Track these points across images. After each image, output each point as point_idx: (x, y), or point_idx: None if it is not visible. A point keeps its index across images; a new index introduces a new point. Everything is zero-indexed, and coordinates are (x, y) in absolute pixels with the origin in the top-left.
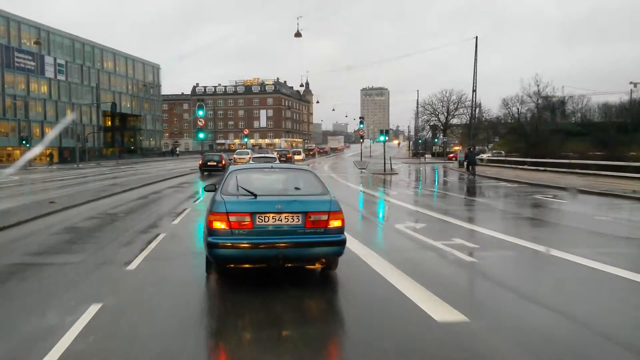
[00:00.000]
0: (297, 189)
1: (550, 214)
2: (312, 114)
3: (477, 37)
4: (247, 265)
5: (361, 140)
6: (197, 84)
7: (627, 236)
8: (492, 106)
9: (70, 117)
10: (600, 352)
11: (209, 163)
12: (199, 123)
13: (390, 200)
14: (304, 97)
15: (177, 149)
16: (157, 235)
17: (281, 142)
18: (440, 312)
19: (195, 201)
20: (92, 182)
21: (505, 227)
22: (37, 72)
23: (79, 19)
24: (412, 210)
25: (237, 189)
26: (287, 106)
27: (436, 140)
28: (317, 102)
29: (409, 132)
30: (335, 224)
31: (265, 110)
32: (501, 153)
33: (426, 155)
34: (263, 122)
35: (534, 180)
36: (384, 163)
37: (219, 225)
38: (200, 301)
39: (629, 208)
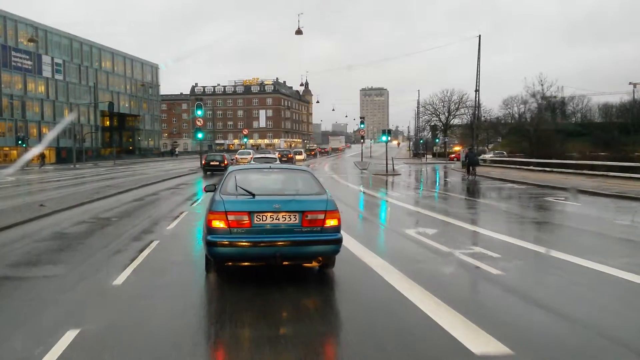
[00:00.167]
0: (294, 188)
1: (567, 218)
2: (311, 114)
3: (480, 35)
4: (246, 263)
5: (362, 140)
6: (196, 84)
7: None
8: (492, 106)
9: (70, 116)
10: None
11: (211, 163)
12: (198, 123)
13: (397, 203)
14: (303, 97)
15: (176, 149)
16: (151, 242)
17: (280, 143)
18: (478, 342)
19: (192, 204)
20: (87, 183)
21: (524, 232)
22: (34, 72)
23: (79, 19)
24: (421, 214)
25: (236, 189)
26: (286, 106)
27: (437, 140)
28: (317, 101)
29: (409, 132)
30: (331, 223)
31: (264, 111)
32: (503, 153)
33: (427, 156)
34: (262, 122)
35: (542, 181)
36: (386, 164)
37: (218, 224)
38: (197, 325)
39: None
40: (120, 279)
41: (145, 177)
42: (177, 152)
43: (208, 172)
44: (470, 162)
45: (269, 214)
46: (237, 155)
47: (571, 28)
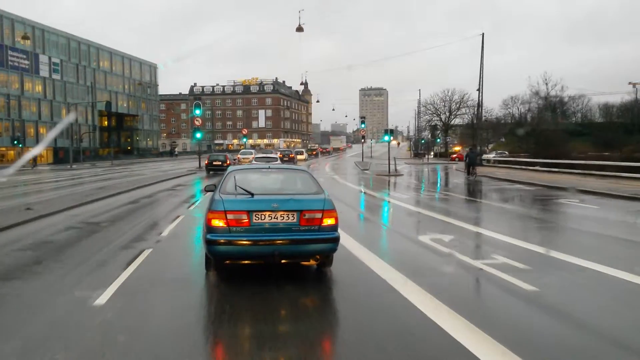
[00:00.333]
0: (292, 188)
1: (588, 223)
2: (310, 114)
3: (483, 34)
4: (245, 262)
5: (362, 140)
6: (195, 84)
7: None
8: (492, 106)
9: (71, 116)
10: None
11: (214, 163)
12: (196, 122)
13: (404, 206)
14: (302, 97)
15: (176, 149)
16: (141, 252)
17: (280, 143)
18: None
19: (190, 206)
20: (81, 184)
21: (546, 239)
22: (31, 71)
23: (79, 19)
24: (432, 218)
25: (235, 189)
26: (285, 106)
27: (438, 140)
28: (318, 101)
29: (408, 132)
30: (329, 221)
31: (263, 110)
32: (505, 153)
33: (429, 156)
34: (262, 122)
35: (550, 182)
36: (389, 164)
37: (217, 223)
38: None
39: None
40: (102, 299)
41: (142, 178)
42: (176, 152)
43: (211, 172)
44: (471, 162)
45: (268, 213)
46: (239, 155)
47: (571, 28)
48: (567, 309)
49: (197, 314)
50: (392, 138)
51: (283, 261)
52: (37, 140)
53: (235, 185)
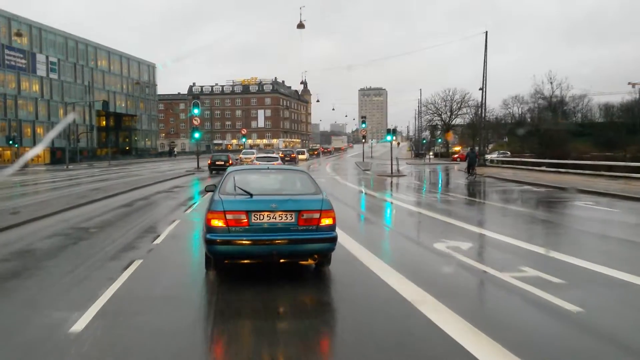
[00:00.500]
0: (291, 188)
1: (613, 228)
2: (310, 114)
3: (486, 32)
4: (244, 261)
5: (363, 140)
6: (194, 84)
7: None
8: (492, 106)
9: (71, 116)
10: None
11: (217, 163)
12: (195, 122)
13: (413, 210)
14: (302, 97)
15: (175, 149)
16: (131, 263)
17: (279, 143)
18: None
19: (187, 210)
20: (75, 185)
21: (573, 247)
22: (28, 71)
23: (79, 19)
24: (445, 223)
25: (235, 189)
26: (285, 106)
27: (439, 140)
28: (318, 100)
29: (408, 132)
30: (326, 221)
31: (263, 110)
32: (507, 154)
33: (430, 156)
34: (261, 122)
35: (560, 183)
36: (391, 164)
37: (216, 223)
38: None
39: None
40: (80, 324)
41: (139, 179)
42: (175, 153)
43: (213, 172)
44: (471, 162)
45: (266, 213)
46: (241, 155)
47: (571, 28)
48: (626, 336)
49: (190, 339)
50: (395, 138)
51: (282, 260)
52: (34, 140)
53: (235, 186)
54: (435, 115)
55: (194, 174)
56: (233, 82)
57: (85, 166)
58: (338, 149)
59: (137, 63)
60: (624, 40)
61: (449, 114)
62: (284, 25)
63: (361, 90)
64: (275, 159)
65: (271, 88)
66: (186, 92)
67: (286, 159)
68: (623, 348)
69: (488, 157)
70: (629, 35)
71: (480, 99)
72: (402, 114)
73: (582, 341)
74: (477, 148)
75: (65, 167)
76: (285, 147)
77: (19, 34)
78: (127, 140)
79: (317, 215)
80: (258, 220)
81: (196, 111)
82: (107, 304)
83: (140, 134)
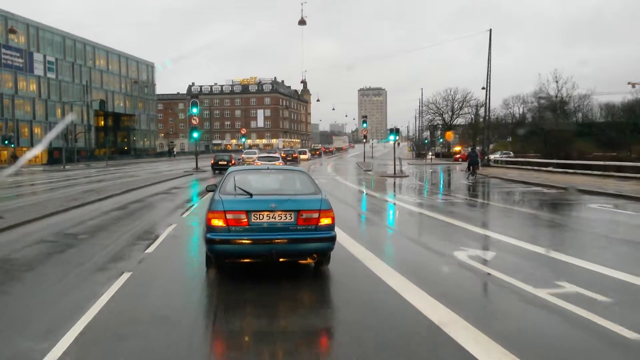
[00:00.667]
0: (290, 188)
1: None
2: (310, 113)
3: (490, 30)
4: (244, 260)
5: (364, 140)
6: (193, 83)
7: None
8: (493, 106)
9: (71, 116)
10: None
11: (220, 162)
12: (193, 121)
13: (424, 213)
14: (302, 97)
15: (174, 149)
16: (120, 275)
17: (279, 142)
18: None
19: (184, 213)
20: (69, 186)
21: (607, 256)
22: (25, 70)
23: (78, 19)
24: (463, 229)
25: (235, 189)
26: (284, 106)
27: (441, 140)
28: (318, 100)
29: (408, 132)
30: (325, 221)
31: (262, 110)
32: (509, 154)
33: (431, 156)
34: (260, 122)
35: (571, 184)
36: (394, 165)
37: (217, 222)
38: None
39: None
40: (52, 355)
41: (135, 180)
42: (174, 153)
43: (216, 171)
44: (472, 162)
45: (266, 213)
46: (243, 155)
47: (572, 28)
48: None
49: None
50: (398, 138)
51: (281, 260)
52: (31, 140)
53: (235, 186)
54: (437, 115)
55: (192, 175)
56: (232, 82)
57: (83, 166)
58: (339, 149)
59: (135, 62)
60: (624, 40)
61: (450, 113)
62: (284, 25)
63: (361, 90)
64: (277, 158)
65: (271, 88)
66: (185, 92)
67: (288, 158)
68: None
69: (492, 157)
70: (629, 35)
71: (481, 99)
72: (402, 114)
73: None
74: (478, 148)
75: (62, 167)
76: (284, 147)
77: (12, 31)
78: (125, 140)
79: (316, 215)
80: (258, 220)
81: (195, 110)
82: (88, 327)
83: (138, 133)
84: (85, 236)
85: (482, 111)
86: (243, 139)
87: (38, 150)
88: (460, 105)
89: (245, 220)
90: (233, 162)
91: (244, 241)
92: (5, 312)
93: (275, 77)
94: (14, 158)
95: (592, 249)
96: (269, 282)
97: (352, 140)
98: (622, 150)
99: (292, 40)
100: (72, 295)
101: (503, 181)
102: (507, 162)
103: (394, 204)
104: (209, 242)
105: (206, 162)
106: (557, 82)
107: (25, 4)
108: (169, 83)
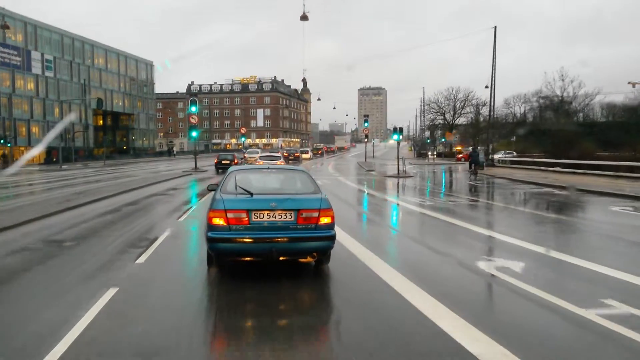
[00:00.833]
0: (291, 188)
1: None
2: (310, 113)
3: (495, 27)
4: (245, 259)
5: (365, 139)
6: (192, 82)
7: None
8: (495, 105)
9: (71, 115)
10: None
11: (223, 162)
12: (192, 120)
13: (436, 217)
14: (302, 97)
15: (174, 148)
16: (102, 294)
17: (279, 142)
18: None
19: (181, 216)
20: (63, 187)
21: None
22: (23, 68)
23: (77, 17)
24: (482, 236)
25: (236, 188)
26: (284, 105)
27: (443, 139)
28: (319, 99)
29: (408, 132)
30: (325, 220)
31: (262, 110)
32: (512, 153)
33: (434, 155)
34: (260, 122)
35: (584, 185)
36: (398, 165)
37: (218, 221)
38: None
39: None
40: None
41: (132, 180)
42: (174, 152)
43: (220, 170)
44: (473, 162)
45: (266, 212)
46: (246, 154)
47: (572, 28)
48: None
49: None
50: (401, 137)
51: (281, 258)
52: (29, 139)
53: (236, 185)
54: (438, 114)
55: (191, 175)
56: (232, 81)
57: (80, 166)
58: (341, 148)
59: (134, 61)
60: (624, 40)
61: (452, 112)
62: (284, 25)
63: (360, 89)
64: (278, 157)
65: (270, 87)
66: (185, 91)
67: (290, 158)
68: None
69: (496, 157)
70: (629, 35)
71: (483, 98)
72: (402, 114)
73: None
74: (480, 148)
75: (59, 167)
76: (286, 146)
77: (4, 27)
78: (124, 139)
79: (315, 214)
80: (258, 219)
81: (194, 109)
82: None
83: (137, 133)
84: (71, 243)
85: (483, 110)
86: (243, 139)
87: (38, 150)
88: (462, 104)
89: (246, 219)
90: (236, 161)
91: (244, 240)
92: None
93: (275, 77)
94: (3, 157)
95: (632, 259)
96: (269, 281)
97: (353, 140)
98: (624, 150)
99: (292, 40)
100: (46, 316)
101: (511, 182)
102: (512, 162)
103: (405, 206)
104: (210, 240)
105: (205, 162)
106: (563, 80)
107: (26, 3)
108: (168, 83)
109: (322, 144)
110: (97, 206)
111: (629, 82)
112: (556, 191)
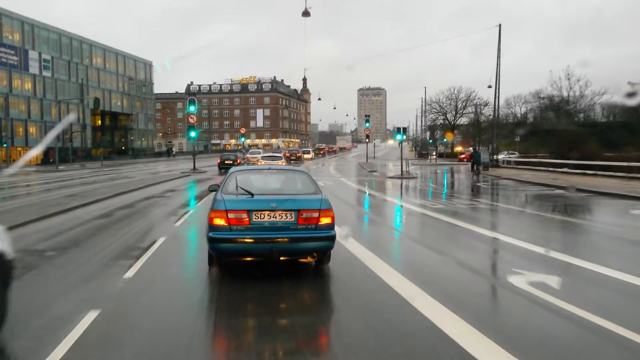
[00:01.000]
0: (291, 188)
1: None
2: (309, 113)
3: (500, 25)
4: (246, 259)
5: (367, 140)
6: (192, 82)
7: None
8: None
9: (72, 116)
10: None
11: (225, 162)
12: (191, 120)
13: (451, 222)
14: (301, 97)
15: (173, 149)
16: (80, 319)
17: (278, 142)
18: None
19: (177, 221)
20: (57, 189)
21: None
22: (20, 68)
23: (77, 17)
24: (506, 244)
25: (236, 189)
26: (284, 105)
27: (445, 140)
28: (319, 99)
29: (409, 132)
30: (325, 220)
31: (262, 110)
32: (515, 153)
33: (435, 156)
34: (260, 122)
35: (597, 187)
36: (401, 165)
37: (219, 221)
38: None
39: None
40: None
41: (129, 182)
42: (173, 153)
43: (222, 170)
44: (475, 162)
45: (267, 213)
46: (248, 155)
47: (572, 28)
48: None
49: None
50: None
51: (282, 258)
52: (26, 140)
53: (237, 186)
54: (440, 114)
55: (189, 176)
56: (232, 81)
57: (77, 167)
58: (343, 149)
59: (133, 61)
60: (624, 40)
61: (454, 112)
62: (284, 25)
63: (360, 90)
64: (280, 157)
65: (270, 87)
66: (184, 91)
67: (292, 158)
68: None
69: (500, 157)
70: (629, 35)
71: (484, 98)
72: (402, 114)
73: None
74: (479, 148)
75: (55, 167)
76: (286, 147)
77: None
78: (123, 139)
79: (316, 215)
80: (259, 219)
81: (192, 109)
82: None
83: (136, 133)
84: (54, 253)
85: (485, 110)
86: (242, 139)
87: (37, 151)
88: (464, 104)
89: (247, 219)
90: (239, 161)
91: (245, 240)
92: None
93: (274, 77)
94: None
95: None
96: (269, 281)
97: (353, 140)
98: (627, 150)
99: (292, 40)
100: (15, 347)
101: (519, 183)
102: (518, 163)
103: (413, 210)
104: (211, 240)
105: (205, 163)
106: (569, 79)
107: (24, 3)
108: (168, 83)
109: (324, 144)
110: (88, 210)
111: (629, 82)
112: (567, 193)
